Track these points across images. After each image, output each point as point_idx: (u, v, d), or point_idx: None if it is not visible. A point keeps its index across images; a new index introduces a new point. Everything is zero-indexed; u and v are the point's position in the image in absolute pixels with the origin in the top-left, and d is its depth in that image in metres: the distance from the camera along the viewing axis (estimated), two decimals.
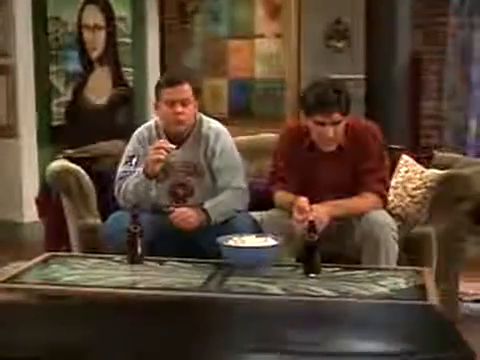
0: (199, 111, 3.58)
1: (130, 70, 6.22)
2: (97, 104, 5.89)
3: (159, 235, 3.34)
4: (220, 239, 3.06)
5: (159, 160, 3.32)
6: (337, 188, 3.41)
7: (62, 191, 3.87)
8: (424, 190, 3.72)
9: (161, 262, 3.16)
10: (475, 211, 3.68)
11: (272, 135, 4.39)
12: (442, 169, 3.79)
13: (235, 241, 3.07)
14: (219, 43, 7.01)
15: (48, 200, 4.16)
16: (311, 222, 3.02)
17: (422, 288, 2.77)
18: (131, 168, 3.51)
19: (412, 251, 3.46)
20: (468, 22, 6.15)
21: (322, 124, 3.30)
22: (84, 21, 5.86)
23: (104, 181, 3.91)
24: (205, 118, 3.60)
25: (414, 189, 3.75)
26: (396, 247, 3.29)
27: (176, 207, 3.49)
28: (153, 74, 6.45)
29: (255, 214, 3.60)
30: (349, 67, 6.74)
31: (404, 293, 2.71)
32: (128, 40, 6.16)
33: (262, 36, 6.95)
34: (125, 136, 6.00)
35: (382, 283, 2.83)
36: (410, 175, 3.80)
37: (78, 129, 5.75)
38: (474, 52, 6.12)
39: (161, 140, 3.39)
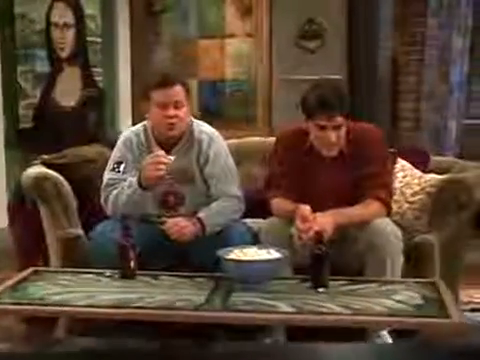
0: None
1: (100, 70, 5.97)
2: (66, 106, 5.62)
3: (149, 246, 3.12)
4: (220, 252, 2.86)
5: (160, 177, 3.11)
6: (337, 195, 3.23)
7: (40, 199, 3.61)
8: (423, 196, 3.56)
9: (155, 277, 2.95)
10: (476, 216, 3.54)
11: (259, 139, 4.21)
12: (440, 173, 3.64)
13: (236, 254, 2.86)
14: (188, 43, 6.80)
15: (21, 208, 3.90)
16: (318, 232, 2.83)
17: (441, 302, 2.59)
18: (119, 175, 3.29)
19: (414, 260, 3.30)
20: (446, 23, 6.03)
21: (324, 128, 3.12)
22: (53, 19, 5.59)
23: (85, 188, 3.68)
24: (197, 122, 3.40)
25: (413, 195, 3.59)
26: (401, 257, 3.14)
27: (168, 217, 3.28)
28: (124, 75, 6.21)
29: (248, 222, 3.42)
30: (322, 68, 6.60)
31: (424, 310, 2.53)
32: (98, 39, 5.91)
33: (233, 36, 6.75)
34: (96, 139, 5.81)
35: (397, 298, 2.65)
36: (408, 180, 3.64)
37: (46, 132, 5.48)
38: (453, 53, 6.00)
39: (159, 152, 3.17)
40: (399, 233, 3.16)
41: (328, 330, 2.53)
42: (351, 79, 5.80)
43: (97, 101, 5.83)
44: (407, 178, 3.65)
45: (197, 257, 3.17)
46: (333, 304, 2.59)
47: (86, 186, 3.70)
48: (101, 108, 5.89)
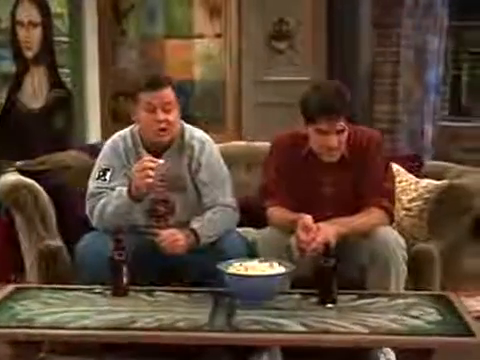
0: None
1: (68, 71, 5.74)
2: (33, 108, 5.37)
3: (137, 259, 2.91)
4: (220, 266, 2.67)
5: (149, 185, 2.90)
6: (337, 203, 3.08)
7: (15, 209, 3.39)
8: (420, 202, 3.43)
9: (149, 293, 2.75)
10: (475, 223, 3.42)
11: (244, 143, 4.04)
12: (435, 179, 3.51)
13: (236, 268, 2.68)
14: (155, 43, 6.61)
15: None
16: (326, 244, 2.67)
17: (458, 318, 2.45)
18: (105, 183, 3.07)
19: (413, 271, 3.15)
20: (422, 24, 5.92)
21: (326, 133, 2.96)
22: (18, 17, 5.34)
23: (62, 197, 3.46)
24: (187, 126, 3.21)
25: (409, 201, 3.45)
26: (405, 268, 2.99)
27: (157, 227, 3.08)
28: (92, 75, 5.98)
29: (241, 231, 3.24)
30: (292, 69, 6.49)
31: (444, 327, 2.38)
32: (65, 39, 5.68)
33: (201, 36, 6.58)
34: (64, 142, 5.57)
35: (412, 313, 2.50)
36: (404, 186, 3.50)
37: (12, 135, 5.24)
38: (429, 54, 5.90)
39: (146, 157, 2.96)
40: (403, 242, 3.02)
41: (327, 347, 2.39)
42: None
43: (65, 103, 5.59)
44: (403, 184, 3.50)
45: (190, 270, 2.98)
46: (346, 322, 2.43)
47: (63, 194, 3.48)
48: (69, 110, 5.66)
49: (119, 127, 6.17)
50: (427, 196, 3.41)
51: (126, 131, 3.18)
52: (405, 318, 2.45)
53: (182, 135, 3.14)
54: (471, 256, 3.59)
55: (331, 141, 2.95)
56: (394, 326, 2.38)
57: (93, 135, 5.94)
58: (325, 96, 2.94)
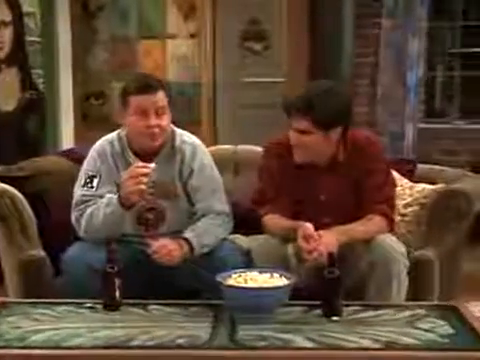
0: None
1: (40, 72, 5.55)
2: (4, 110, 5.18)
3: (127, 269, 2.75)
4: (219, 277, 2.53)
5: (141, 192, 2.75)
6: (334, 209, 2.98)
7: None
8: (416, 207, 3.33)
9: (143, 307, 2.60)
10: (471, 228, 3.34)
11: (229, 147, 3.90)
12: (430, 183, 3.42)
13: (235, 279, 2.54)
14: (128, 43, 6.46)
15: None
16: (330, 254, 2.55)
17: (473, 331, 2.35)
18: (92, 191, 2.91)
19: (412, 278, 3.04)
20: (402, 24, 5.84)
21: (292, 129, 2.90)
22: None
23: (44, 205, 3.30)
24: (177, 130, 3.07)
25: (405, 206, 3.35)
26: (406, 277, 2.90)
27: (147, 236, 2.94)
28: (65, 76, 5.81)
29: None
30: (268, 70, 6.41)
31: (459, 341, 2.27)
32: (37, 39, 5.48)
33: (175, 36, 6.45)
34: (37, 146, 5.38)
35: (423, 326, 2.39)
36: (398, 190, 3.38)
37: None
38: (409, 55, 5.83)
39: (138, 163, 2.81)
40: (404, 250, 2.93)
41: None
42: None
43: (37, 105, 5.41)
44: (397, 188, 3.39)
45: (184, 281, 2.84)
46: (355, 336, 2.31)
47: (45, 202, 3.32)
48: (41, 112, 5.48)
49: (91, 130, 6.08)
50: (423, 201, 3.32)
51: (113, 135, 3.03)
52: (416, 331, 2.34)
53: (172, 140, 3.00)
54: (466, 261, 3.52)
55: (291, 137, 2.88)
56: (407, 340, 2.26)
57: (66, 139, 5.76)
58: (301, 93, 2.87)
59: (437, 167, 3.68)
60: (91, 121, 6.36)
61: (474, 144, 5.87)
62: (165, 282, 2.86)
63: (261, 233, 3.09)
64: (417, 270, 3.07)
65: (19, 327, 2.39)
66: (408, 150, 5.87)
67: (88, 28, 6.36)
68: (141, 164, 2.78)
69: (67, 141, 5.74)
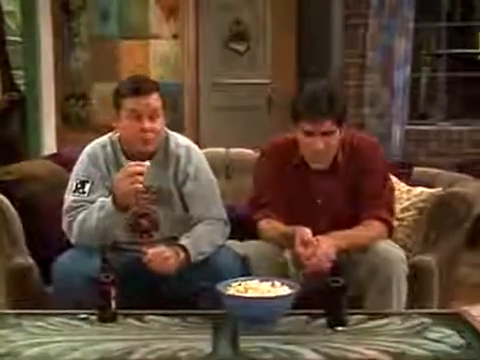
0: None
1: (21, 73, 5.44)
2: None
3: (121, 278, 2.65)
4: (220, 286, 2.44)
5: (137, 191, 2.65)
6: (331, 213, 2.90)
7: None
8: (414, 211, 3.27)
9: (139, 318, 2.50)
10: (470, 233, 3.28)
11: (219, 149, 3.80)
12: (425, 186, 3.36)
13: (236, 288, 2.45)
14: (109, 44, 6.34)
15: None
16: (334, 262, 2.47)
17: None
18: (84, 196, 2.81)
19: (411, 284, 2.97)
20: (389, 24, 5.78)
21: (310, 134, 2.76)
22: None
23: (32, 210, 3.18)
24: (171, 133, 2.97)
25: (402, 211, 3.28)
26: (406, 283, 2.82)
27: (141, 243, 2.84)
28: (47, 77, 5.69)
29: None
30: (251, 71, 6.34)
31: (472, 352, 2.20)
32: (18, 38, 5.37)
33: (157, 37, 6.35)
34: (18, 147, 5.26)
35: (431, 336, 2.31)
36: (396, 194, 3.32)
37: None
38: (396, 56, 5.77)
39: (131, 163, 2.71)
40: (404, 256, 2.86)
41: None
42: (300, 83, 5.47)
43: (19, 106, 5.30)
44: (395, 192, 3.33)
45: (180, 289, 2.74)
46: (362, 347, 2.23)
47: (33, 207, 3.20)
48: (23, 114, 5.36)
49: (72, 132, 5.95)
50: (421, 205, 3.26)
51: (105, 139, 2.93)
52: (426, 342, 2.26)
53: (166, 143, 2.90)
54: (462, 265, 3.47)
55: (316, 143, 2.76)
56: (418, 352, 2.18)
57: (48, 140, 5.64)
58: (312, 95, 2.76)
59: (432, 170, 3.62)
60: (72, 123, 6.24)
61: (460, 146, 5.84)
62: (159, 290, 2.77)
63: (255, 238, 3.00)
64: (417, 276, 3.00)
65: (12, 341, 2.28)
66: (395, 152, 5.81)
67: (68, 28, 6.23)
68: (135, 163, 2.68)
69: (49, 143, 5.62)
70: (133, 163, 2.68)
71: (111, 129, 2.95)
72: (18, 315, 2.52)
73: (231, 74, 6.34)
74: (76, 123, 6.19)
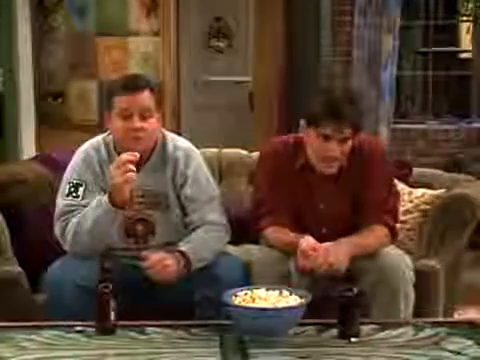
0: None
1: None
2: None
3: (117, 286, 2.51)
4: (226, 296, 2.31)
5: (129, 180, 2.50)
6: (333, 219, 2.78)
7: None
8: (417, 214, 3.17)
9: (140, 330, 2.35)
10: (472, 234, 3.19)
11: (214, 151, 3.65)
12: (425, 187, 3.26)
13: (243, 298, 2.32)
14: (86, 40, 6.16)
15: None
16: (348, 271, 2.35)
17: None
18: (77, 200, 2.65)
19: (415, 289, 2.86)
20: (375, 23, 5.67)
21: (328, 139, 2.63)
22: None
23: (19, 215, 3.03)
24: (170, 135, 2.83)
25: (404, 213, 3.17)
26: (413, 289, 2.73)
27: (136, 249, 2.71)
28: (25, 76, 5.49)
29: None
30: (232, 69, 6.24)
31: None
32: None
33: (137, 34, 6.19)
34: None
35: (449, 347, 2.20)
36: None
37: None
38: (382, 55, 5.67)
39: (123, 155, 2.56)
40: (410, 262, 2.76)
41: None
42: (286, 82, 5.36)
43: None
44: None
45: (177, 297, 2.59)
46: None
47: (20, 212, 3.05)
48: (1, 113, 5.18)
49: (50, 131, 5.78)
50: (424, 207, 3.16)
51: (98, 140, 2.78)
52: (447, 354, 2.15)
53: (164, 146, 2.76)
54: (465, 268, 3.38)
55: (333, 149, 2.64)
56: None
57: (27, 140, 5.45)
58: (334, 98, 2.63)
59: (429, 170, 3.52)
60: (50, 122, 6.05)
61: (446, 145, 5.79)
62: (157, 298, 2.63)
63: (252, 242, 2.95)
64: (422, 281, 2.89)
65: (2, 357, 2.12)
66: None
67: (44, 24, 6.05)
68: (129, 153, 2.53)
69: (28, 141, 5.44)
70: (123, 155, 2.54)
71: (101, 127, 2.81)
72: (7, 328, 2.36)
73: (213, 72, 6.23)
74: (54, 122, 6.01)
